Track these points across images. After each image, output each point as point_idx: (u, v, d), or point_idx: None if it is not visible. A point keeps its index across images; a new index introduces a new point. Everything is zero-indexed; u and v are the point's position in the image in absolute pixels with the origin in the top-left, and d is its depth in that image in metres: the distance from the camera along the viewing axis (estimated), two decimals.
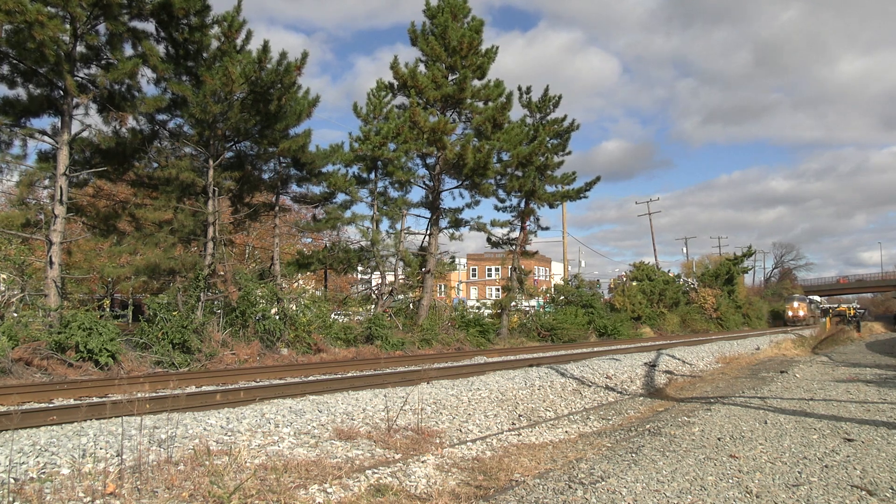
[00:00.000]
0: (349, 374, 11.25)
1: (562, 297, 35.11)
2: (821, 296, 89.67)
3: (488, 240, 27.80)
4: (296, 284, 23.80)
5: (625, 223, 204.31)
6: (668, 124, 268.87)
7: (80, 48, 14.60)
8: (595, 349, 18.68)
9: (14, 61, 14.07)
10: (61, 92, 14.45)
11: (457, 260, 30.49)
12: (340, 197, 22.53)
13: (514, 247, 28.11)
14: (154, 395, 7.92)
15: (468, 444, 6.57)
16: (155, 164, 17.91)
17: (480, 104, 24.27)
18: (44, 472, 4.46)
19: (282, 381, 10.32)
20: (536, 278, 63.45)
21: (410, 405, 7.38)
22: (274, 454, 5.29)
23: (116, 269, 19.29)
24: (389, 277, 23.67)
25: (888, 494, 4.40)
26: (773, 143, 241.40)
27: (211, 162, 17.42)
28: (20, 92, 14.65)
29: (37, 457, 4.75)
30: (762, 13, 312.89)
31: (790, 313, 63.00)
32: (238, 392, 8.35)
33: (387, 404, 7.35)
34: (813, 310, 69.89)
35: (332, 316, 20.69)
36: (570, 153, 32.23)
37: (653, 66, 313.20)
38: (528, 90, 28.28)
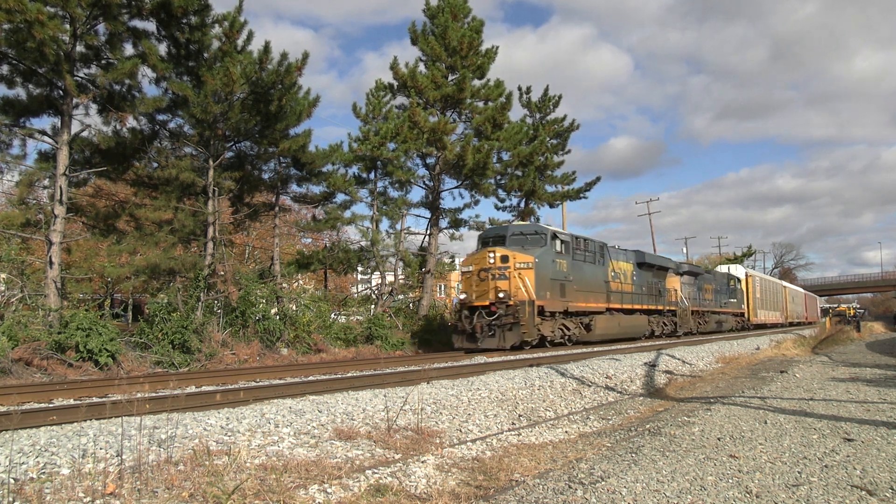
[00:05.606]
0: (349, 374, 11.26)
1: None
2: (821, 295, 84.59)
3: None
4: (296, 284, 23.79)
5: (630, 222, 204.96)
6: (678, 121, 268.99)
7: (79, 48, 14.61)
8: (595, 349, 18.67)
9: (14, 61, 14.07)
10: (61, 92, 14.45)
11: (457, 260, 30.51)
12: (340, 197, 22.57)
13: None
14: (154, 395, 7.91)
15: (468, 444, 6.56)
16: (155, 164, 17.93)
17: (480, 104, 24.29)
18: (44, 472, 4.46)
19: (282, 381, 10.32)
20: None
21: (410, 405, 7.38)
22: (274, 454, 5.29)
23: (116, 269, 19.30)
24: (389, 277, 23.68)
25: (888, 494, 4.40)
26: (783, 141, 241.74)
27: (211, 162, 17.43)
28: (20, 92, 14.68)
29: (37, 457, 4.74)
30: (780, 8, 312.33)
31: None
32: (238, 392, 8.34)
33: (387, 404, 7.34)
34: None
35: (332, 316, 20.68)
36: (569, 153, 32.30)
37: (665, 62, 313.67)
38: (528, 90, 28.34)
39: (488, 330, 16.48)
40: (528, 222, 23.63)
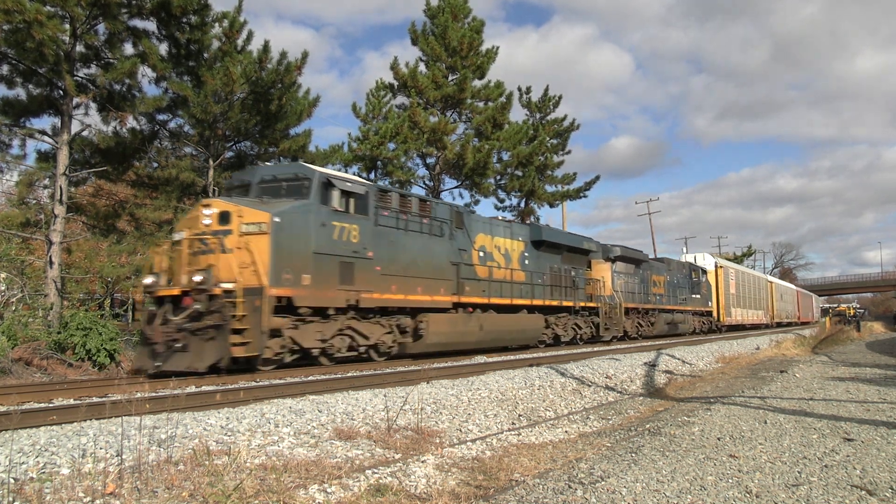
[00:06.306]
0: (349, 374, 11.25)
1: None
2: (821, 295, 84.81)
3: None
4: None
5: (630, 222, 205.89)
6: (679, 121, 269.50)
7: (79, 48, 14.63)
8: (595, 349, 18.68)
9: (13, 61, 14.09)
10: (61, 92, 14.47)
11: None
12: None
13: None
14: (154, 394, 7.92)
15: (468, 443, 6.57)
16: (155, 164, 17.96)
17: (480, 104, 24.32)
18: (44, 472, 4.46)
19: (282, 381, 10.32)
20: None
21: (410, 405, 7.38)
22: (274, 454, 5.29)
23: (116, 268, 19.31)
24: None
25: (888, 494, 4.40)
26: (784, 141, 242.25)
27: (211, 162, 17.43)
28: (20, 92, 14.72)
29: (37, 457, 4.75)
30: (782, 8, 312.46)
31: None
32: (238, 392, 8.34)
33: (386, 404, 7.35)
34: None
35: None
36: (570, 153, 32.32)
37: (667, 61, 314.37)
38: (528, 90, 28.39)
39: (178, 338, 9.59)
40: (290, 163, 15.99)
